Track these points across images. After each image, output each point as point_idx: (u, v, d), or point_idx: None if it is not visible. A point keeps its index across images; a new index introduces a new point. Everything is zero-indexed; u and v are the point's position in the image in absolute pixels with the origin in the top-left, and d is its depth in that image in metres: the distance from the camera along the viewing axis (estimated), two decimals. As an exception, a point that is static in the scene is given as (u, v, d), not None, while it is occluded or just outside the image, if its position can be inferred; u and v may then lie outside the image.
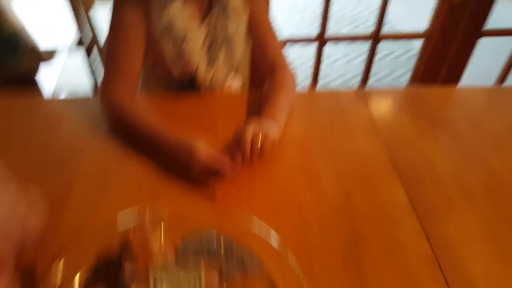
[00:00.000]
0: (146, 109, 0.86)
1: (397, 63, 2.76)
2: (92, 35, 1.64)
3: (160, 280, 0.58)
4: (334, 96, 1.04)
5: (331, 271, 0.61)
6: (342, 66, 2.74)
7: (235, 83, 1.17)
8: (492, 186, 0.77)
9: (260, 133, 0.77)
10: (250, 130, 0.76)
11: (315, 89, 1.75)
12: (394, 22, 3.12)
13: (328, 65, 2.71)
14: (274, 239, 0.62)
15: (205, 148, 0.74)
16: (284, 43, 1.65)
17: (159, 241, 0.62)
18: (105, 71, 0.91)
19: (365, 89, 1.10)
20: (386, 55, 2.83)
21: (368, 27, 3.17)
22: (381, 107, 1.00)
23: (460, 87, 1.14)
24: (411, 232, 0.68)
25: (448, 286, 0.60)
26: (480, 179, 0.79)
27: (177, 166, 0.76)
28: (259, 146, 0.76)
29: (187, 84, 1.01)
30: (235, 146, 0.77)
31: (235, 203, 0.71)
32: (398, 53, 2.84)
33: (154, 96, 1.02)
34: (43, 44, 1.41)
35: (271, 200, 0.73)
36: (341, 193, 0.76)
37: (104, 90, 0.89)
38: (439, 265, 0.63)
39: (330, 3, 1.52)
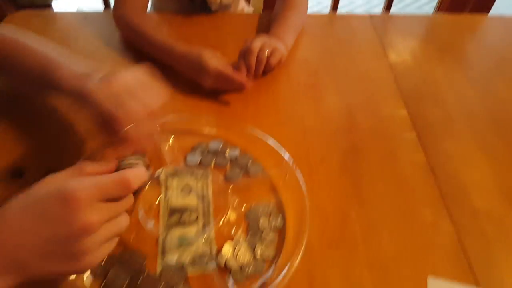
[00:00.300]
0: (156, 26, 0.87)
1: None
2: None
3: (171, 183, 0.63)
4: (345, 19, 1.04)
5: (329, 178, 0.65)
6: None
7: (247, 7, 1.16)
8: (495, 110, 0.79)
9: (267, 46, 0.78)
10: (258, 42, 0.78)
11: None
12: None
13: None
14: (276, 148, 0.66)
15: (214, 57, 0.76)
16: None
17: (170, 151, 0.66)
18: None
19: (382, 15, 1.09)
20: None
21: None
22: (392, 32, 1.00)
23: (475, 15, 1.12)
24: (408, 146, 0.71)
25: (441, 193, 0.63)
26: (484, 103, 0.80)
27: (186, 80, 0.79)
28: (265, 57, 0.78)
29: (199, 5, 1.01)
30: (241, 57, 0.79)
31: (241, 116, 0.74)
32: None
33: (165, 16, 1.03)
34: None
35: (276, 113, 0.76)
36: (343, 109, 0.78)
37: (115, 8, 0.90)
38: (433, 174, 0.66)
39: None
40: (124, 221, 0.43)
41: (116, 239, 0.43)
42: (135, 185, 0.41)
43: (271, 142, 0.67)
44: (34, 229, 0.38)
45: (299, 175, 0.61)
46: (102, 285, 0.51)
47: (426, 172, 0.67)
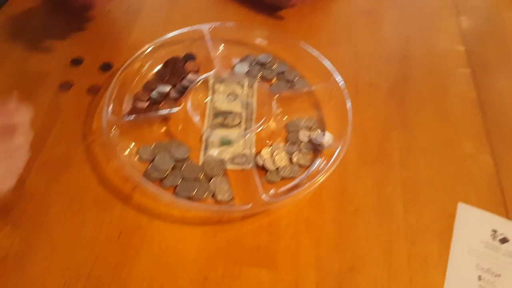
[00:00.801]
0: None
1: None
2: None
3: (218, 87, 0.65)
4: None
5: (374, 101, 0.65)
6: None
7: None
8: None
9: None
10: None
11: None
12: None
13: None
14: (325, 66, 0.66)
15: None
16: None
17: (219, 58, 0.68)
18: None
19: None
20: None
21: None
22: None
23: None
24: (461, 81, 0.69)
25: (486, 129, 0.63)
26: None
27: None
28: None
29: None
30: None
31: (294, 33, 0.74)
32: None
33: None
34: None
35: (329, 34, 0.76)
36: (399, 38, 0.76)
37: None
38: (482, 111, 0.65)
39: None
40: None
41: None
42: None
43: (321, 60, 0.67)
44: None
45: (346, 93, 0.62)
46: (149, 167, 0.55)
47: (474, 107, 0.66)
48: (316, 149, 0.58)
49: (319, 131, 0.60)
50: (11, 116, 0.43)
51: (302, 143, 0.59)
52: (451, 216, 0.53)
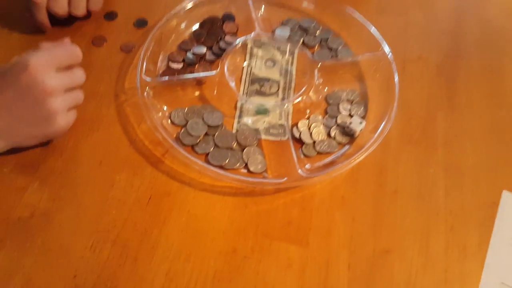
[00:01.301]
0: None
1: None
2: None
3: (256, 52, 0.62)
4: None
5: (422, 76, 0.61)
6: None
7: None
8: None
9: None
10: None
11: None
12: None
13: None
14: (373, 34, 0.62)
15: None
16: None
17: (259, 20, 0.64)
18: None
19: None
20: None
21: None
22: None
23: None
24: (518, 61, 0.64)
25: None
26: None
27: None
28: None
29: None
30: None
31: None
32: None
33: None
34: None
35: (377, 2, 0.71)
36: (453, 10, 0.71)
37: None
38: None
39: None
40: (80, 95, 0.51)
41: (75, 113, 0.51)
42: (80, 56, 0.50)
43: (368, 27, 0.62)
44: (5, 96, 0.45)
45: (394, 66, 0.58)
46: (181, 131, 0.53)
47: (531, 92, 0.61)
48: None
49: (363, 105, 0.57)
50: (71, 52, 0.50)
51: (342, 117, 0.56)
52: (495, 204, 0.50)
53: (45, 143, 0.51)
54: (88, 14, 0.64)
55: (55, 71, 0.46)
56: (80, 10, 0.61)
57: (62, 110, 0.47)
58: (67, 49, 0.50)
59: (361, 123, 0.54)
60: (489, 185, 0.52)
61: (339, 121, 0.55)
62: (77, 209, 0.47)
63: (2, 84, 0.45)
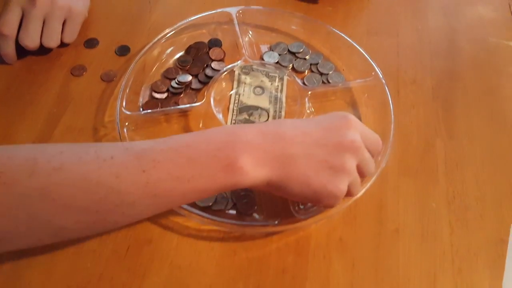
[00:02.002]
0: None
1: None
2: None
3: (244, 79, 0.59)
4: None
5: (418, 101, 0.58)
6: None
7: None
8: None
9: None
10: None
11: None
12: None
13: None
14: (364, 58, 0.59)
15: None
16: None
17: (247, 46, 0.61)
18: None
19: None
20: None
21: None
22: None
23: None
24: (515, 80, 0.62)
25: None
26: None
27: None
28: None
29: None
30: None
31: (329, 20, 0.67)
32: None
33: None
34: None
35: (367, 24, 0.68)
36: (445, 29, 0.68)
37: None
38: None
39: None
40: (372, 166, 0.43)
41: (359, 187, 0.44)
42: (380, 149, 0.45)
43: (359, 51, 0.59)
44: (309, 129, 0.40)
45: (388, 92, 0.55)
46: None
47: (530, 111, 0.58)
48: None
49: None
50: None
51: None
52: (503, 241, 0.47)
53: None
54: (63, 44, 0.60)
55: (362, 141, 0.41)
56: (53, 42, 0.58)
57: (350, 174, 0.40)
58: (377, 137, 0.45)
59: None
60: (496, 220, 0.48)
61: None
62: (49, 264, 0.42)
63: (314, 120, 0.42)
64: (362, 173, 0.42)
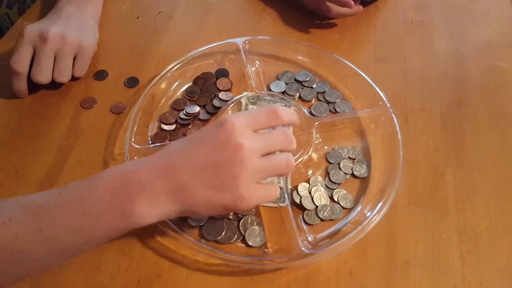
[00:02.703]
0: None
1: None
2: None
3: (251, 108, 0.59)
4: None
5: (427, 129, 0.58)
6: None
7: None
8: None
9: None
10: None
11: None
12: None
13: None
14: (372, 87, 0.59)
15: None
16: None
17: (253, 76, 0.62)
18: None
19: None
20: None
21: None
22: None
23: None
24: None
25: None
26: None
27: None
28: None
29: None
30: None
31: (335, 48, 0.67)
32: None
33: None
34: None
35: (374, 50, 0.68)
36: (453, 54, 0.68)
37: None
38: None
39: None
40: (283, 159, 0.42)
41: (277, 188, 0.44)
42: (285, 117, 0.43)
43: (366, 80, 0.60)
44: (194, 151, 0.40)
45: (396, 122, 0.55)
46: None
47: (541, 139, 0.57)
48: (361, 185, 0.52)
49: (366, 163, 0.54)
50: None
51: (345, 178, 0.53)
52: (517, 274, 0.46)
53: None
54: (74, 78, 0.61)
55: (253, 134, 0.41)
56: (64, 77, 0.59)
57: (249, 175, 0.40)
58: (266, 110, 0.43)
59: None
60: (508, 251, 0.48)
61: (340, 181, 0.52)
62: (59, 300, 0.42)
63: (195, 137, 0.42)
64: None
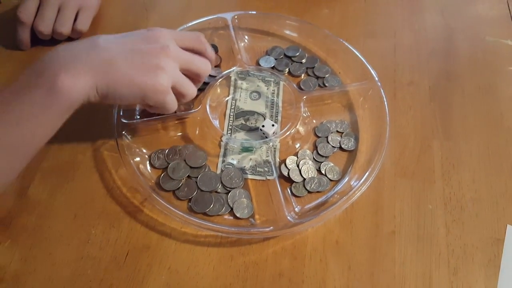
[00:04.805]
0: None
1: None
2: None
3: (240, 84, 0.59)
4: None
5: (414, 102, 0.58)
6: None
7: None
8: None
9: None
10: None
11: None
12: None
13: None
14: (361, 61, 0.59)
15: None
16: None
17: (243, 51, 0.62)
18: None
19: None
20: None
21: None
22: None
23: None
24: (512, 79, 0.62)
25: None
26: None
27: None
28: None
29: None
30: None
31: (325, 23, 0.67)
32: None
33: None
34: None
35: (364, 25, 0.68)
36: (442, 29, 0.68)
37: None
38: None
39: None
40: (202, 62, 0.48)
41: (195, 90, 0.49)
42: (208, 46, 0.49)
43: (357, 55, 0.60)
44: (122, 38, 0.44)
45: (383, 95, 0.55)
46: (162, 175, 0.50)
47: (529, 114, 0.58)
48: (348, 157, 0.52)
49: (354, 136, 0.54)
50: None
51: (332, 151, 0.53)
52: (499, 241, 0.47)
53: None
54: (74, 34, 0.63)
55: (178, 46, 0.46)
56: (65, 29, 0.61)
57: (170, 73, 0.44)
58: (192, 33, 0.50)
59: (273, 125, 0.53)
60: (492, 220, 0.48)
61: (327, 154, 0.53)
62: (51, 270, 0.43)
63: (123, 35, 0.45)
64: (192, 73, 0.48)
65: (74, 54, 0.41)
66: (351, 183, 0.49)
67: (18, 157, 0.41)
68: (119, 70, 0.42)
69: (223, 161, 0.52)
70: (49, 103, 0.39)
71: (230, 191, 0.49)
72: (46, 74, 0.39)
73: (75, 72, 0.39)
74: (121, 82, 0.42)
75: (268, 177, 0.50)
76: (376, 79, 0.57)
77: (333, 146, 0.54)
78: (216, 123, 0.55)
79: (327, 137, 0.54)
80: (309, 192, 0.50)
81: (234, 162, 0.52)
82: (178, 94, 0.47)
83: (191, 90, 0.48)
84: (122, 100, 0.44)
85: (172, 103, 0.46)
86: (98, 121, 0.55)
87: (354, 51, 0.60)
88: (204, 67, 0.48)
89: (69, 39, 0.63)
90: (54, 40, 0.62)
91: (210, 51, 0.50)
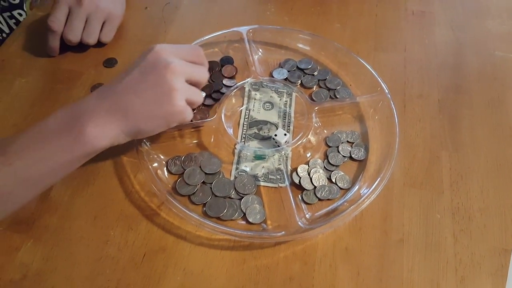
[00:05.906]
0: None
1: None
2: None
3: (254, 95, 0.62)
4: None
5: (424, 115, 0.60)
6: None
7: None
8: None
9: None
10: None
11: None
12: None
13: None
14: (371, 74, 0.61)
15: None
16: None
17: (257, 63, 0.64)
18: None
19: None
20: None
21: None
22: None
23: None
24: (522, 93, 0.63)
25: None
26: None
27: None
28: None
29: None
30: None
31: (337, 37, 0.69)
32: None
33: None
34: None
35: (375, 39, 0.70)
36: (452, 44, 0.70)
37: None
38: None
39: None
40: (202, 71, 0.51)
41: (201, 95, 0.51)
42: (205, 59, 0.52)
43: (367, 68, 0.62)
44: (130, 76, 0.46)
45: (393, 107, 0.57)
46: (178, 180, 0.52)
47: (537, 124, 0.59)
48: (358, 167, 0.54)
49: (364, 146, 0.56)
50: None
51: (343, 160, 0.55)
52: (506, 251, 0.48)
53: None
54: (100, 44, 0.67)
55: (178, 58, 0.48)
56: (91, 39, 0.65)
57: (181, 90, 0.46)
58: (191, 46, 0.55)
59: (285, 135, 0.55)
60: (499, 230, 0.49)
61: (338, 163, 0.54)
62: (71, 269, 0.45)
63: (132, 67, 0.47)
64: (194, 82, 0.50)
65: (98, 105, 0.44)
66: (361, 192, 0.51)
67: (34, 189, 0.44)
68: (136, 111, 0.45)
69: (237, 168, 0.54)
70: (75, 149, 0.43)
71: (243, 197, 0.51)
72: (75, 123, 0.43)
73: (101, 122, 0.43)
74: (143, 120, 0.46)
75: (280, 185, 0.52)
76: (387, 91, 0.58)
77: (343, 156, 0.55)
78: (230, 131, 0.57)
79: (337, 147, 0.56)
80: (319, 199, 0.51)
81: (247, 169, 0.54)
82: (190, 103, 0.49)
83: (199, 97, 0.50)
84: (151, 133, 0.48)
85: (190, 115, 0.48)
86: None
87: (365, 64, 0.62)
88: (203, 75, 0.51)
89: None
90: (81, 45, 0.65)
91: (206, 61, 0.53)
